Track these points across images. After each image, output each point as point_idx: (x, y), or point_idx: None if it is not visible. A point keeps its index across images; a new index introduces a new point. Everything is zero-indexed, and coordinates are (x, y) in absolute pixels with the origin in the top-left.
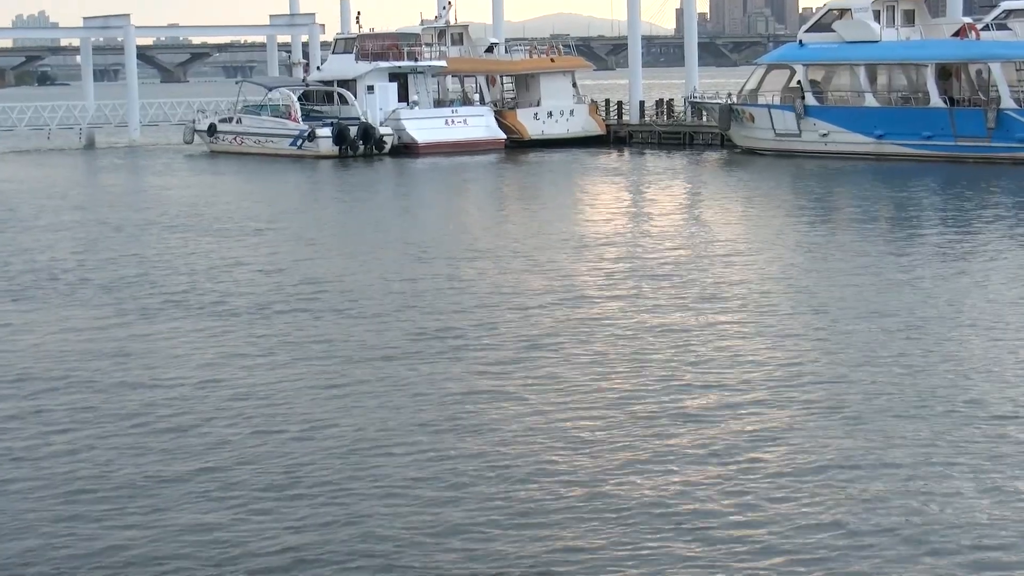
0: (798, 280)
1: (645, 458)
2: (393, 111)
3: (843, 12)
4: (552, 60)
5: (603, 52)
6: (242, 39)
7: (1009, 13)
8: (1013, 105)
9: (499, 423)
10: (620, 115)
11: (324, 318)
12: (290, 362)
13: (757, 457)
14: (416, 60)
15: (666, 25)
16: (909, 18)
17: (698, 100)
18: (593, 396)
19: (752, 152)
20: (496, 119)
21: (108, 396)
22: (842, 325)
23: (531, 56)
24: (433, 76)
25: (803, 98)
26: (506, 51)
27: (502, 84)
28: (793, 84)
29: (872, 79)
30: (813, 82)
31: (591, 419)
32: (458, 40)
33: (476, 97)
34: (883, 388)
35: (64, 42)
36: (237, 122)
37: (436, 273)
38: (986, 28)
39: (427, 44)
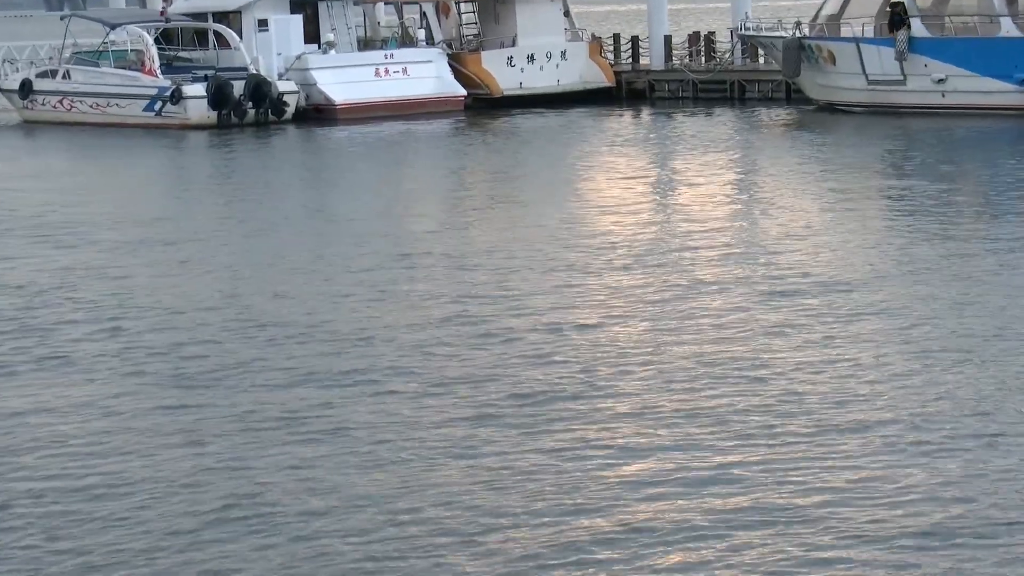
0: (934, 315)
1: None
2: (298, 57)
3: None
4: None
5: None
6: None
7: None
8: None
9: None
10: (636, 57)
11: (200, 365)
12: (147, 429)
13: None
14: None
15: None
16: None
17: (752, 33)
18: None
19: (833, 108)
20: (451, 67)
21: None
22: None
23: None
24: (356, 4)
25: (908, 26)
26: None
27: (459, 14)
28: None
29: None
30: (922, 2)
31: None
32: None
33: (421, 35)
34: None
35: None
36: (64, 77)
37: (369, 297)
38: None
39: None
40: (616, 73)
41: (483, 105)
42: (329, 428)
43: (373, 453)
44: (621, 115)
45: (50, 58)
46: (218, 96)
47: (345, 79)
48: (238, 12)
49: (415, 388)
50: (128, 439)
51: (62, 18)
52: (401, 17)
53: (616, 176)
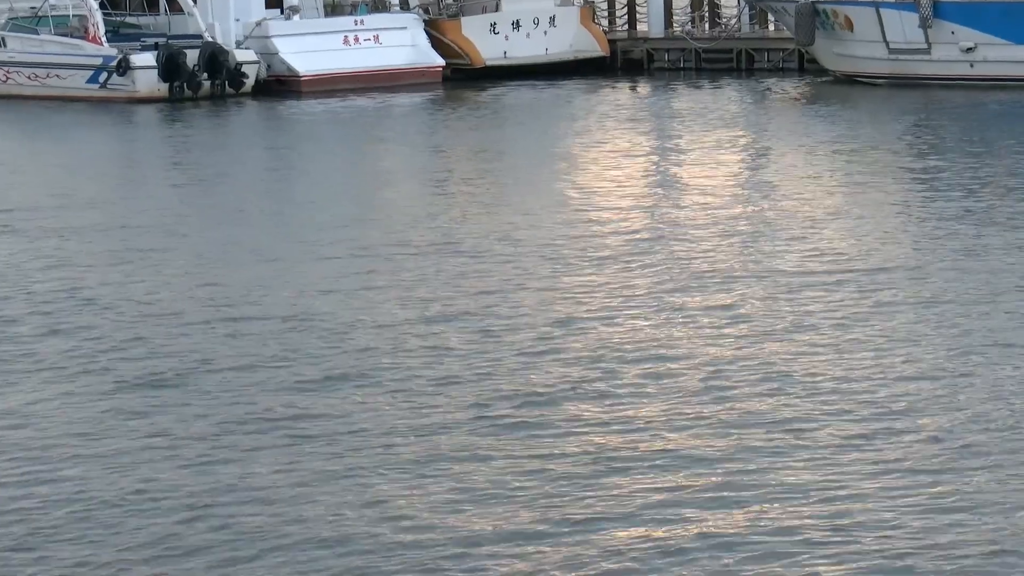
0: (966, 303)
1: None
2: (258, 24)
3: None
4: None
5: None
6: None
7: None
8: None
9: None
10: (632, 24)
11: (161, 363)
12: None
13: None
14: None
15: None
16: None
17: None
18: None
19: (851, 79)
20: (428, 34)
21: None
22: None
23: None
24: None
25: None
26: None
27: None
28: None
29: None
30: None
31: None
32: None
33: None
34: None
35: None
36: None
37: (344, 288)
38: None
39: None
40: (610, 41)
41: (463, 76)
42: (312, 428)
43: (358, 454)
44: (616, 87)
45: None
46: (170, 67)
47: (310, 48)
48: None
49: (402, 386)
50: (86, 442)
51: None
52: None
53: (611, 156)
